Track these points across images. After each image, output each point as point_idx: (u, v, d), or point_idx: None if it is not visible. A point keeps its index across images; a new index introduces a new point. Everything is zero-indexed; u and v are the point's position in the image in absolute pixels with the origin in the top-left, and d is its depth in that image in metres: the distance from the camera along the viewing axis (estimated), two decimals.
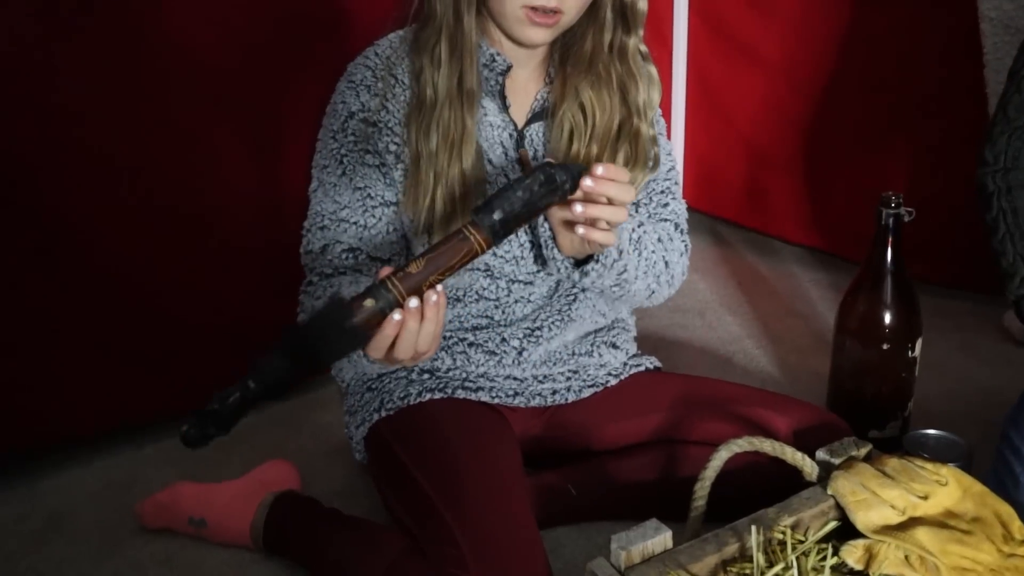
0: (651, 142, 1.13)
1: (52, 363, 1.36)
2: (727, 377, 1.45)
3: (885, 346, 1.26)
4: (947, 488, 0.90)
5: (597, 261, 1.03)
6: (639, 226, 1.09)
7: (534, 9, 1.01)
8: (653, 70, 1.13)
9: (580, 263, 1.05)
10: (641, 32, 1.11)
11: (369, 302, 0.83)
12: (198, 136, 1.40)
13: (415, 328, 0.85)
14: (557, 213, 0.96)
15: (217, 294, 1.48)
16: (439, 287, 0.85)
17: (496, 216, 0.86)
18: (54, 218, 1.33)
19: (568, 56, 1.11)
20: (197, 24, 1.36)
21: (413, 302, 0.84)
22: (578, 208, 0.89)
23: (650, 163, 1.13)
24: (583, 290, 1.16)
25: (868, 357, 1.27)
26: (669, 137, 2.08)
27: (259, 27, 1.40)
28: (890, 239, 1.23)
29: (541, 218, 1.04)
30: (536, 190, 0.87)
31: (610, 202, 0.91)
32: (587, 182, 0.88)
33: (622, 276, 1.06)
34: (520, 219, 0.88)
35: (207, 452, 1.38)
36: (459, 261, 0.86)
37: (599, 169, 0.89)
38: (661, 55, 2.08)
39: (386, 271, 0.85)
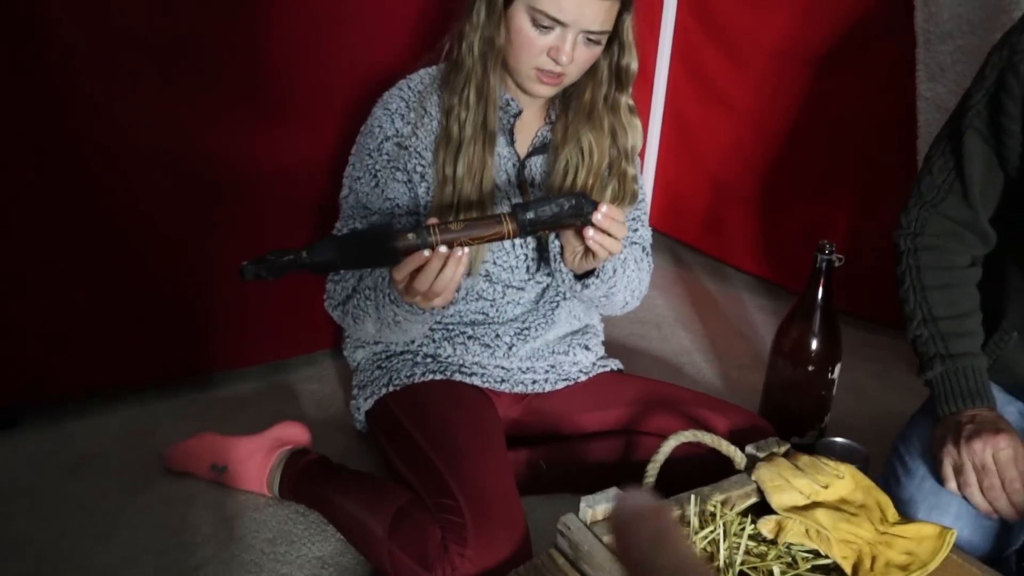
0: (633, 180, 1.34)
1: (80, 319, 1.48)
2: (679, 384, 1.64)
3: (810, 368, 1.49)
4: (843, 481, 1.13)
5: (597, 276, 1.24)
6: (624, 249, 1.31)
7: (542, 70, 1.22)
8: (637, 121, 1.34)
9: (580, 276, 1.26)
10: (630, 90, 1.32)
11: (412, 236, 1.04)
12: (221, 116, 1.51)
13: (436, 268, 1.04)
14: (569, 234, 1.17)
15: (222, 274, 1.57)
16: (465, 249, 1.05)
17: (529, 216, 1.08)
18: (96, 188, 1.43)
19: (570, 105, 1.32)
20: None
21: (443, 248, 1.04)
22: (590, 232, 1.11)
23: (632, 198, 1.35)
24: (565, 298, 1.37)
25: (796, 376, 1.50)
26: (642, 168, 2.32)
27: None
28: (822, 279, 1.47)
29: (553, 236, 1.26)
30: (565, 209, 1.09)
31: (609, 234, 1.13)
32: (598, 216, 1.10)
33: (611, 290, 1.27)
34: (545, 226, 1.10)
35: (219, 411, 1.59)
36: (488, 236, 1.07)
37: (604, 208, 1.10)
38: (642, 91, 2.28)
39: (433, 220, 1.05)
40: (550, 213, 1.09)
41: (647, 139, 2.32)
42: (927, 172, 1.25)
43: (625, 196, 1.32)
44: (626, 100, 1.31)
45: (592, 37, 1.20)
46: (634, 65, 1.29)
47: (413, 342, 1.36)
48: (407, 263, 1.05)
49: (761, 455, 1.17)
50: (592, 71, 1.28)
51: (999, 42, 1.15)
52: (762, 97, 2.12)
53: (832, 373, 1.51)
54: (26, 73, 1.32)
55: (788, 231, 2.12)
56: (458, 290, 1.27)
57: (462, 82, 1.24)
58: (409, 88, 1.30)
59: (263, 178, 1.59)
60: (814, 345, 1.48)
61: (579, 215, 1.11)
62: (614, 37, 1.25)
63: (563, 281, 1.29)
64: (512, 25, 1.20)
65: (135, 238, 1.50)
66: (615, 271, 1.26)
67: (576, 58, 1.20)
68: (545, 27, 1.18)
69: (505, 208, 1.28)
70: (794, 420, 1.52)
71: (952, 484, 1.12)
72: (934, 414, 1.20)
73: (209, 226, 1.57)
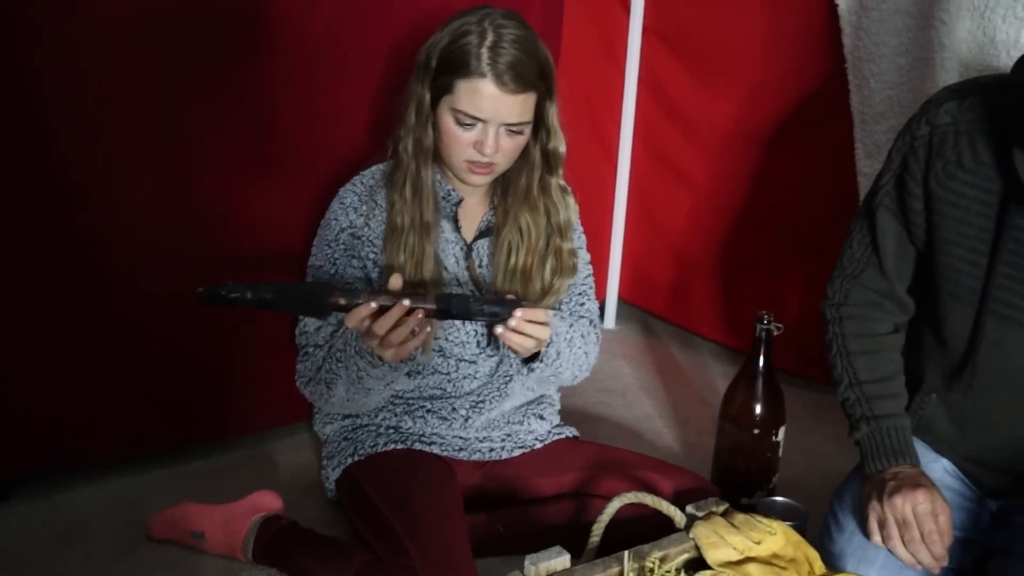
0: (570, 255, 1.45)
1: (70, 394, 1.56)
2: (637, 449, 1.68)
3: (755, 431, 1.58)
4: (775, 537, 1.20)
5: (541, 361, 1.35)
6: (570, 327, 1.41)
7: (472, 162, 1.34)
8: (569, 199, 1.45)
9: (527, 360, 1.37)
10: (560, 172, 1.43)
11: (343, 300, 1.21)
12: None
13: (395, 316, 1.20)
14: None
15: (224, 344, 1.70)
16: (419, 314, 1.22)
17: (445, 306, 1.24)
18: (83, 254, 1.51)
19: (508, 189, 1.43)
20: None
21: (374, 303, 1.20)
22: (498, 329, 1.25)
23: (570, 271, 1.44)
24: (519, 372, 1.47)
25: (742, 439, 1.58)
26: (609, 242, 2.43)
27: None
28: (762, 347, 1.57)
29: None
30: (484, 312, 1.24)
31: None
32: (512, 322, 1.23)
33: (558, 369, 1.38)
34: (458, 316, 1.25)
35: (201, 481, 1.67)
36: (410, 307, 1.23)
37: (519, 313, 1.23)
38: (607, 170, 2.41)
39: (365, 291, 1.21)
40: (466, 310, 1.24)
41: (612, 215, 2.44)
42: (848, 246, 1.36)
43: (563, 270, 1.43)
44: (556, 181, 1.43)
45: (513, 128, 1.32)
46: (561, 148, 1.41)
47: (377, 415, 1.45)
48: (359, 311, 1.20)
49: (700, 514, 1.25)
50: (525, 157, 1.40)
51: (903, 129, 1.27)
52: (717, 175, 2.25)
53: (776, 436, 1.59)
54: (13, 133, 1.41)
55: (747, 300, 2.21)
56: (412, 358, 1.36)
57: (401, 179, 1.37)
58: (362, 183, 1.43)
59: (255, 254, 1.69)
60: (758, 409, 1.57)
61: (496, 317, 1.25)
62: (541, 124, 1.37)
63: (511, 365, 1.40)
64: (440, 125, 1.33)
65: (122, 314, 1.59)
66: (559, 353, 1.37)
67: (501, 148, 1.32)
68: (467, 124, 1.31)
69: (453, 290, 1.39)
70: (742, 481, 1.59)
71: (877, 538, 1.20)
72: (863, 472, 1.29)
73: (193, 301, 1.65)
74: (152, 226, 1.57)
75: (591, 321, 1.49)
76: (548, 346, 1.34)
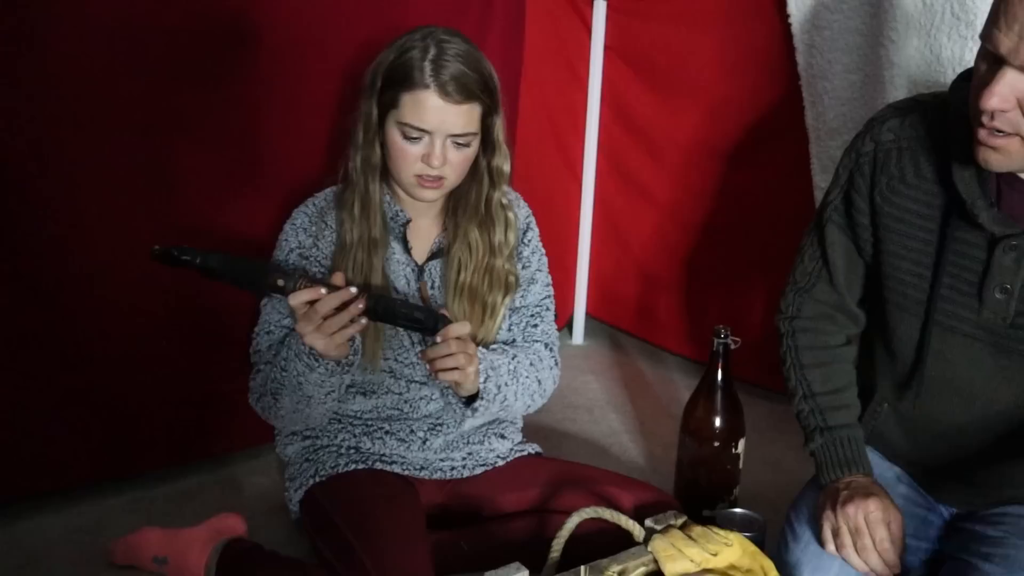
0: (507, 272, 1.45)
1: (26, 422, 1.55)
2: (602, 464, 1.70)
3: (715, 444, 1.60)
4: (732, 548, 1.22)
5: (482, 398, 1.36)
6: (513, 358, 1.41)
7: (421, 176, 1.35)
8: (510, 215, 1.46)
9: (469, 400, 1.38)
10: (504, 187, 1.45)
11: (280, 281, 1.25)
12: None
13: (332, 303, 1.23)
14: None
15: (185, 367, 1.70)
16: (360, 305, 1.25)
17: (374, 304, 1.26)
18: (37, 277, 1.52)
19: (459, 206, 1.45)
20: None
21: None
22: (428, 355, 1.29)
23: (506, 288, 1.45)
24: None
25: (702, 452, 1.60)
26: (575, 258, 2.45)
27: None
28: (720, 361, 1.59)
29: None
30: (413, 316, 1.27)
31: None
32: (437, 338, 1.27)
33: (504, 404, 1.39)
34: (388, 320, 1.29)
35: (165, 505, 1.67)
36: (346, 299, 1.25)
37: (438, 338, 1.27)
38: (573, 187, 2.44)
39: (305, 276, 1.25)
40: (392, 312, 1.27)
41: (579, 232, 2.46)
42: (800, 260, 1.39)
43: (499, 287, 1.44)
44: (498, 197, 1.44)
45: (460, 140, 1.34)
46: (505, 166, 1.43)
47: (336, 436, 1.45)
48: (303, 293, 1.23)
49: (658, 527, 1.26)
50: (474, 172, 1.42)
51: (848, 146, 1.30)
52: (680, 190, 2.28)
53: (736, 448, 1.61)
54: None
55: (712, 314, 2.23)
56: (349, 366, 1.36)
57: (351, 197, 1.39)
58: (314, 205, 1.45)
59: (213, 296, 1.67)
60: (717, 422, 1.59)
61: (419, 325, 1.27)
62: (487, 139, 1.39)
63: (454, 413, 1.43)
64: (387, 140, 1.35)
65: (79, 337, 1.58)
66: (500, 387, 1.38)
67: (449, 160, 1.34)
68: (414, 137, 1.33)
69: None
70: (704, 494, 1.61)
71: (831, 546, 1.22)
72: (818, 482, 1.31)
73: (155, 325, 1.66)
74: (108, 247, 1.57)
75: (546, 344, 1.50)
76: (486, 381, 1.35)
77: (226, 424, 1.78)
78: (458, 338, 1.29)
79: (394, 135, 1.34)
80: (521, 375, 1.42)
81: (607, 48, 2.31)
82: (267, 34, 1.64)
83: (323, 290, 1.23)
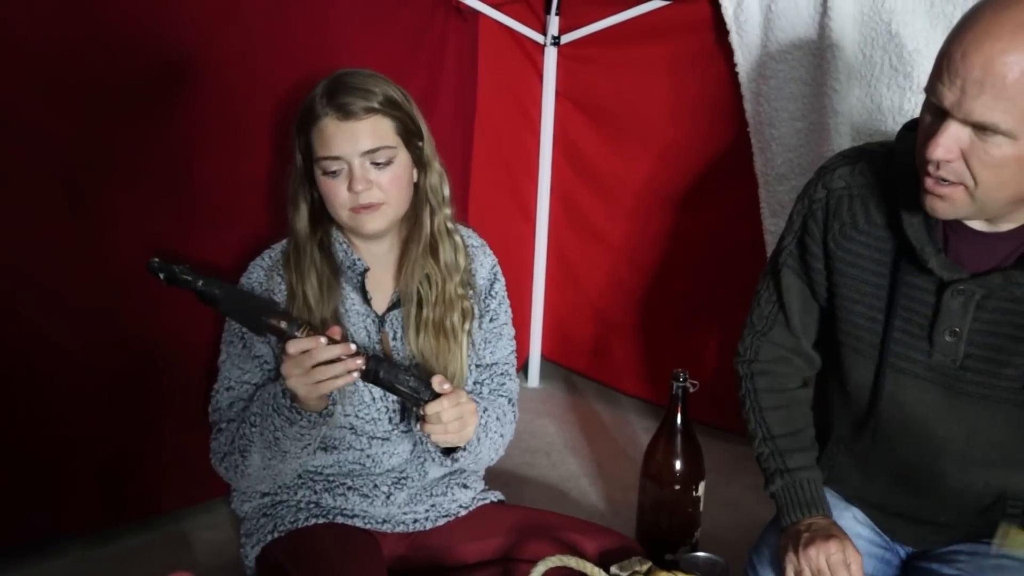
0: (456, 297, 1.42)
1: None
2: (562, 509, 1.69)
3: (676, 487, 1.60)
4: None
5: (465, 450, 1.35)
6: (484, 412, 1.40)
7: (355, 207, 1.33)
8: (457, 239, 1.45)
9: (448, 451, 1.37)
10: (446, 210, 1.43)
11: (284, 324, 1.20)
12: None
13: (330, 353, 1.19)
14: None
15: (132, 422, 1.66)
16: (359, 361, 1.21)
17: (374, 367, 1.23)
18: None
19: (411, 239, 1.42)
20: None
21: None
22: (417, 427, 1.26)
23: (466, 314, 1.44)
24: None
25: (663, 496, 1.61)
26: (530, 301, 2.46)
27: None
28: (679, 405, 1.60)
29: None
30: (408, 385, 1.25)
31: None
32: (430, 409, 1.25)
33: (477, 456, 1.39)
34: (383, 386, 1.25)
35: (110, 565, 1.60)
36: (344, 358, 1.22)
37: (433, 405, 1.25)
38: (526, 230, 2.46)
39: (307, 324, 1.21)
40: (391, 379, 1.24)
41: (532, 275, 2.47)
42: (756, 304, 1.41)
43: (457, 310, 1.42)
44: (440, 219, 1.43)
45: (377, 159, 1.32)
46: (444, 187, 1.43)
47: (296, 492, 1.42)
48: (303, 341, 1.19)
49: (624, 574, 1.26)
50: (419, 200, 1.41)
51: (801, 192, 1.33)
52: (633, 234, 2.31)
53: (697, 491, 1.62)
54: None
55: (667, 356, 2.26)
56: (327, 417, 1.32)
57: (296, 254, 1.39)
58: (270, 257, 1.43)
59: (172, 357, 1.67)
60: (677, 466, 1.60)
61: (416, 395, 1.25)
62: (417, 161, 1.38)
63: (432, 459, 1.41)
64: (318, 185, 1.35)
65: (13, 389, 1.54)
66: (479, 439, 1.37)
67: (376, 182, 1.32)
68: (333, 171, 1.32)
69: None
70: (666, 538, 1.62)
71: None
72: (779, 525, 1.32)
73: (97, 380, 1.62)
74: (41, 296, 1.54)
75: (509, 400, 1.49)
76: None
77: (174, 479, 1.73)
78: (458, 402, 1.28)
79: (319, 176, 1.34)
80: (491, 429, 1.42)
81: (559, 94, 2.34)
82: (205, 76, 1.63)
83: (323, 339, 1.19)
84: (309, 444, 1.32)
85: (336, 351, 1.20)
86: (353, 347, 1.21)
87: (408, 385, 1.24)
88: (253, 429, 1.30)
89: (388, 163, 1.33)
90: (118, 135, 1.55)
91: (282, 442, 1.29)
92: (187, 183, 1.65)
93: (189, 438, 1.62)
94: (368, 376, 1.23)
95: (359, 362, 1.20)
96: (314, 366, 1.19)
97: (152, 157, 1.60)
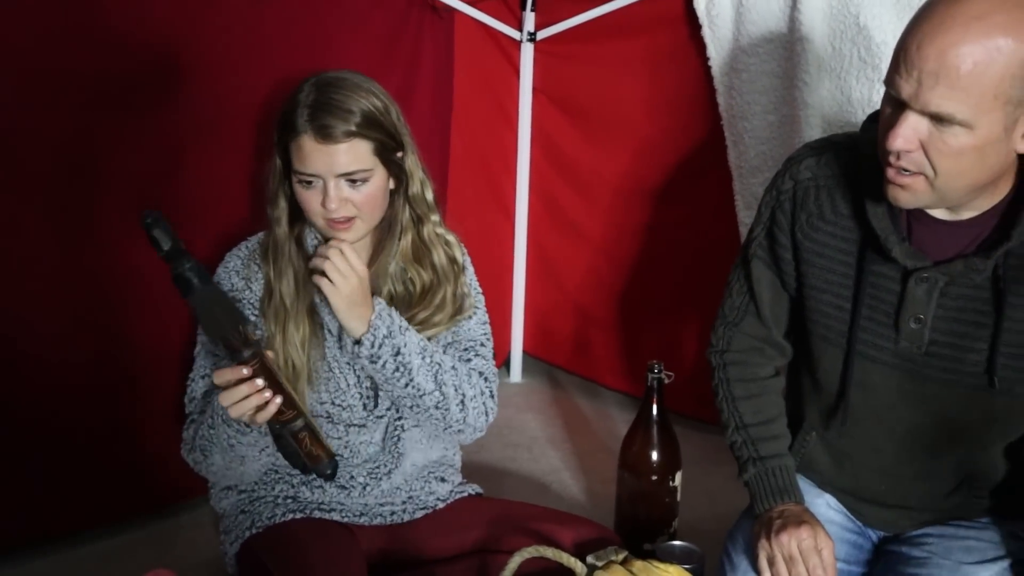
0: (449, 299, 1.44)
1: None
2: (543, 502, 1.71)
3: (653, 478, 1.62)
4: None
5: (371, 332, 1.32)
6: (435, 350, 1.39)
7: (330, 220, 1.34)
8: (450, 238, 1.46)
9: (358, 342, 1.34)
10: (434, 217, 1.44)
11: (247, 336, 1.18)
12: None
13: (242, 392, 1.18)
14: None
15: (111, 418, 1.67)
16: (277, 400, 1.20)
17: (276, 431, 1.24)
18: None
19: (384, 241, 1.43)
20: None
21: (245, 371, 1.18)
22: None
23: (459, 312, 1.45)
24: (405, 429, 1.45)
25: (640, 486, 1.62)
26: (511, 296, 2.46)
27: None
28: (655, 396, 1.62)
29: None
30: (300, 464, 1.26)
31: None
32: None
33: (399, 360, 1.34)
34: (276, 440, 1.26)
35: (93, 565, 1.60)
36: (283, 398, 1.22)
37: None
38: (506, 226, 2.47)
39: (270, 353, 1.22)
40: (284, 449, 1.25)
41: (513, 271, 2.48)
42: (728, 295, 1.43)
43: (450, 311, 1.44)
44: (430, 228, 1.44)
45: (354, 178, 1.33)
46: (427, 193, 1.43)
47: (274, 487, 1.43)
48: (226, 372, 1.19)
49: (600, 564, 1.27)
50: (393, 207, 1.42)
51: (770, 184, 1.35)
52: (611, 228, 2.33)
53: (673, 481, 1.64)
54: None
55: (647, 349, 2.27)
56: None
57: (273, 250, 1.40)
58: (247, 248, 1.45)
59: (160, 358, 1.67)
60: (654, 457, 1.61)
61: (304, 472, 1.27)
62: (395, 174, 1.39)
63: (390, 454, 1.43)
64: (294, 190, 1.36)
65: (11, 386, 1.54)
66: (392, 333, 1.34)
67: (351, 199, 1.33)
68: (309, 183, 1.33)
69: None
70: (644, 528, 1.63)
71: (767, 574, 1.24)
72: (752, 512, 1.34)
73: (77, 377, 1.62)
74: (23, 292, 1.54)
75: (481, 374, 1.48)
76: (376, 319, 1.33)
77: (156, 477, 1.73)
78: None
79: (296, 187, 1.35)
80: (431, 358, 1.38)
81: (536, 90, 2.36)
82: (190, 73, 1.64)
83: (245, 371, 1.18)
84: (266, 447, 1.33)
85: (243, 389, 1.19)
86: (260, 383, 1.19)
87: (298, 464, 1.24)
88: (211, 431, 1.31)
89: (363, 182, 1.34)
90: (99, 130, 1.56)
91: (237, 448, 1.30)
92: (167, 180, 1.65)
93: (168, 434, 1.62)
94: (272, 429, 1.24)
95: (271, 408, 1.20)
96: (233, 401, 1.19)
97: (131, 153, 1.60)
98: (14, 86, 1.46)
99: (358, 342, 1.33)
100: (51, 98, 1.50)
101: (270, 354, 1.23)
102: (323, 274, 1.30)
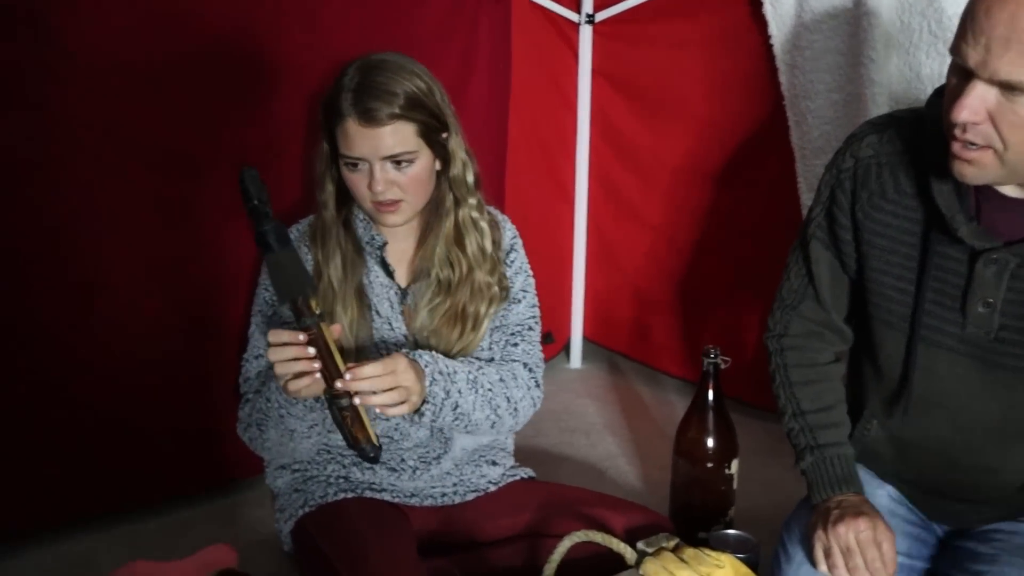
0: (485, 284, 1.43)
1: (12, 456, 1.55)
2: (599, 487, 1.69)
3: (708, 465, 1.59)
4: (723, 570, 1.21)
5: (428, 402, 1.31)
6: (478, 370, 1.39)
7: (376, 202, 1.35)
8: (484, 225, 1.45)
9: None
10: (472, 199, 1.44)
11: (302, 308, 1.18)
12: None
13: (291, 352, 1.19)
14: None
15: (177, 398, 1.71)
16: (317, 375, 1.19)
17: (333, 401, 1.21)
18: (24, 313, 1.53)
19: (430, 225, 1.44)
20: None
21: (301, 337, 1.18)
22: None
23: (494, 300, 1.44)
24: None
25: (695, 474, 1.59)
26: (571, 281, 2.45)
27: None
28: (711, 382, 1.58)
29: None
30: (353, 435, 1.22)
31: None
32: (337, 384, 1.19)
33: (458, 412, 1.35)
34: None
35: (159, 538, 1.65)
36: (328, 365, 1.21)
37: (347, 375, 1.19)
38: (565, 211, 2.45)
39: (337, 327, 1.24)
40: (336, 421, 1.23)
41: (572, 256, 2.47)
42: (786, 278, 1.39)
43: (485, 299, 1.43)
44: (466, 211, 1.43)
45: (399, 160, 1.33)
46: (468, 176, 1.43)
47: (326, 467, 1.45)
48: (283, 333, 1.19)
49: (650, 550, 1.25)
50: (439, 189, 1.42)
51: (829, 163, 1.31)
52: (671, 212, 2.29)
53: (729, 468, 1.60)
54: None
55: (707, 335, 2.24)
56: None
57: (320, 231, 1.42)
58: (297, 231, 1.47)
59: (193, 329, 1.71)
60: (709, 443, 1.58)
61: (359, 451, 1.22)
62: (440, 155, 1.39)
63: (440, 439, 1.43)
64: (342, 174, 1.37)
65: (65, 370, 1.59)
66: (448, 393, 1.33)
67: (396, 181, 1.34)
68: (355, 167, 1.34)
69: (397, 334, 1.42)
70: (699, 516, 1.60)
71: (823, 566, 1.21)
72: (809, 502, 1.30)
73: (145, 357, 1.66)
74: (100, 277, 1.59)
75: (525, 364, 1.47)
76: (431, 385, 1.31)
77: (220, 455, 1.77)
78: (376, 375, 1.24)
79: (343, 170, 1.36)
80: (482, 386, 1.39)
81: (594, 72, 2.33)
82: (237, 59, 1.66)
83: (301, 336, 1.18)
84: (315, 425, 1.34)
85: (291, 351, 1.19)
86: (311, 352, 1.18)
87: (350, 434, 1.22)
88: (267, 403, 1.33)
89: (409, 163, 1.35)
90: (141, 118, 1.60)
91: (287, 420, 1.32)
92: (219, 166, 1.68)
93: (231, 413, 1.65)
94: (328, 403, 1.23)
95: (316, 377, 1.19)
96: (280, 359, 1.19)
97: (181, 138, 1.64)
98: (109, 81, 1.52)
99: (419, 411, 1.33)
100: (136, 91, 1.56)
101: (337, 328, 1.24)
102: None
